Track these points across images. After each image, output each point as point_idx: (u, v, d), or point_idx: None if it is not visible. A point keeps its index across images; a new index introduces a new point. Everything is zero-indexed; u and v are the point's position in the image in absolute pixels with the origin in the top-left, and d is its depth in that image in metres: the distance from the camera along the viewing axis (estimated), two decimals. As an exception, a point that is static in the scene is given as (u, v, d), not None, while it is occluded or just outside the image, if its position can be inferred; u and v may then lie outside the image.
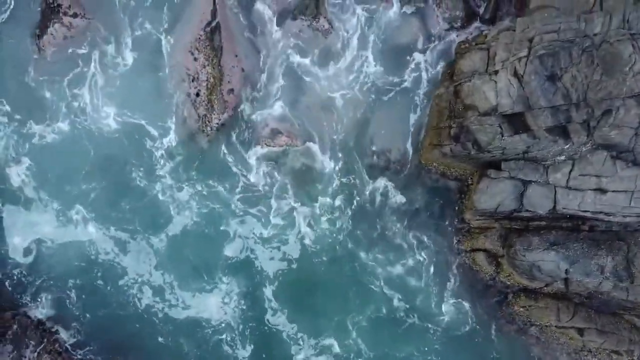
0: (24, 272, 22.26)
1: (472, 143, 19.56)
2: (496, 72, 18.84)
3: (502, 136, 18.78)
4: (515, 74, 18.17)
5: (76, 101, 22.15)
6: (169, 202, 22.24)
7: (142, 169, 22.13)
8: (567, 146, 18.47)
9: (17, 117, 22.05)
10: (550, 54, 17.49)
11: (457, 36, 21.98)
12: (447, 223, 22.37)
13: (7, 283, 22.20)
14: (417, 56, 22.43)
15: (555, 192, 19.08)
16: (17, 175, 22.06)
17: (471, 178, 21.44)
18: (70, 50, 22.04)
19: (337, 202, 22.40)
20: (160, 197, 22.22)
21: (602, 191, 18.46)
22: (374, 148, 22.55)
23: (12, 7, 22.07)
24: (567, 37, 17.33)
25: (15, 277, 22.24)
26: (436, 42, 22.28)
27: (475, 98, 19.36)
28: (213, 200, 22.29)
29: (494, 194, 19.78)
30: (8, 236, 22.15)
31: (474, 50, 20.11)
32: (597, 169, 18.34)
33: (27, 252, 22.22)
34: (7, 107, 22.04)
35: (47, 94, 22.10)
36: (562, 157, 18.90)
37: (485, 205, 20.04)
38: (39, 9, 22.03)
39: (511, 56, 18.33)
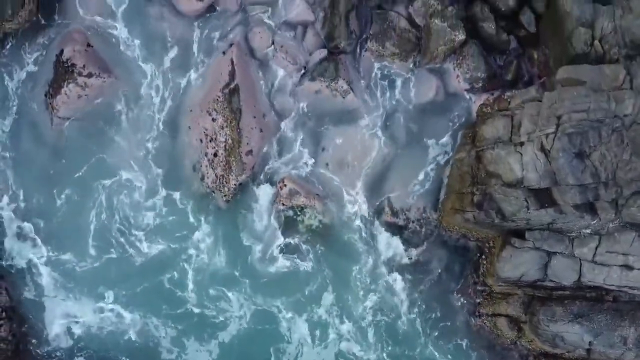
0: (62, 351, 21.89)
1: (495, 212, 19.41)
2: (522, 144, 18.67)
3: (528, 209, 18.65)
4: (542, 148, 18.02)
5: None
6: (206, 303, 22.03)
7: (176, 270, 21.87)
8: (594, 222, 18.38)
9: (44, 236, 21.75)
10: (579, 133, 17.37)
11: (478, 97, 21.80)
12: (467, 284, 22.27)
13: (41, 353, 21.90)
14: (438, 115, 22.29)
15: (581, 265, 19.01)
16: (52, 278, 21.75)
17: (493, 241, 21.32)
18: (86, 118, 21.66)
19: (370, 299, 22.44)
20: (197, 297, 22.00)
21: (629, 268, 18.44)
22: (393, 207, 22.34)
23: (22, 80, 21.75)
24: (596, 117, 17.20)
25: (52, 354, 21.86)
26: (457, 103, 22.13)
27: (499, 167, 19.20)
28: (245, 294, 22.02)
29: (517, 264, 19.67)
30: (47, 323, 21.76)
31: (497, 116, 19.94)
32: (624, 248, 18.31)
33: (67, 334, 21.82)
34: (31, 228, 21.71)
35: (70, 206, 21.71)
36: (588, 231, 18.82)
37: (508, 274, 19.95)
38: (52, 68, 21.56)
39: (538, 130, 18.16)
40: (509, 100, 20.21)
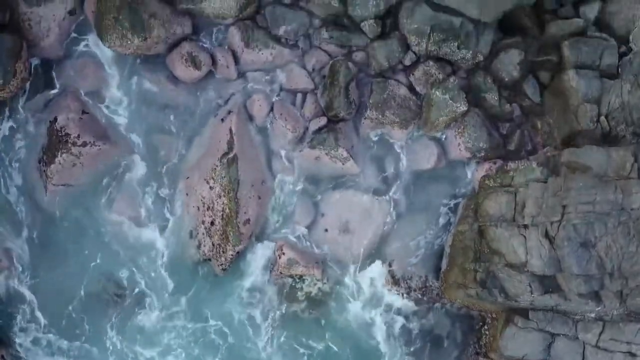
0: None
1: (499, 290, 19.13)
2: (525, 227, 18.33)
3: (532, 293, 18.31)
4: (547, 235, 17.69)
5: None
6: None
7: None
8: (599, 308, 18.04)
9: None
10: (585, 223, 17.02)
11: (480, 166, 21.37)
12: (469, 354, 21.91)
13: None
14: (439, 183, 21.88)
15: (584, 348, 18.73)
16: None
17: (496, 314, 20.97)
18: (81, 185, 21.36)
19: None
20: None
21: (633, 355, 18.15)
22: (395, 275, 21.99)
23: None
24: (603, 210, 16.84)
25: None
26: (458, 172, 21.74)
27: (502, 246, 18.90)
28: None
29: (521, 344, 19.40)
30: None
31: (500, 192, 19.51)
32: (628, 337, 18.02)
33: None
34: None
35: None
36: (592, 315, 18.48)
37: (511, 353, 19.68)
38: (46, 135, 21.12)
39: (542, 216, 17.81)
40: (512, 175, 19.74)
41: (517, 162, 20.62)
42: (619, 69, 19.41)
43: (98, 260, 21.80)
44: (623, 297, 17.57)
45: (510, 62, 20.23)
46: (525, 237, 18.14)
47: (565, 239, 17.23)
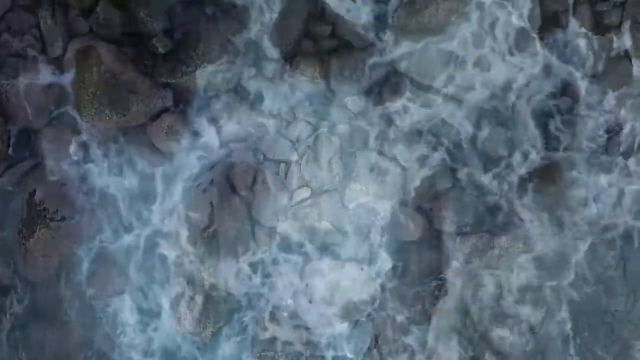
0: None
1: (483, 378, 18.71)
2: (509, 316, 17.99)
3: (517, 385, 17.97)
4: (531, 330, 17.34)
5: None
6: None
7: None
8: (585, 400, 17.67)
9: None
10: (569, 321, 16.66)
11: (467, 239, 20.92)
12: None
13: None
14: (425, 255, 21.46)
15: None
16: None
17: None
18: (60, 255, 21.00)
19: None
20: None
21: None
22: (381, 350, 21.53)
23: None
24: (587, 310, 16.54)
25: None
26: (444, 244, 21.28)
27: (488, 333, 18.65)
28: None
29: None
30: None
31: (486, 274, 19.31)
32: None
33: None
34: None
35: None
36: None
37: None
38: (26, 207, 20.84)
39: (527, 308, 17.47)
40: (498, 256, 19.39)
41: (504, 238, 20.20)
42: (607, 149, 19.01)
43: (79, 332, 21.50)
44: (609, 393, 17.21)
45: (496, 139, 19.86)
46: (509, 328, 17.78)
47: (548, 334, 16.88)
